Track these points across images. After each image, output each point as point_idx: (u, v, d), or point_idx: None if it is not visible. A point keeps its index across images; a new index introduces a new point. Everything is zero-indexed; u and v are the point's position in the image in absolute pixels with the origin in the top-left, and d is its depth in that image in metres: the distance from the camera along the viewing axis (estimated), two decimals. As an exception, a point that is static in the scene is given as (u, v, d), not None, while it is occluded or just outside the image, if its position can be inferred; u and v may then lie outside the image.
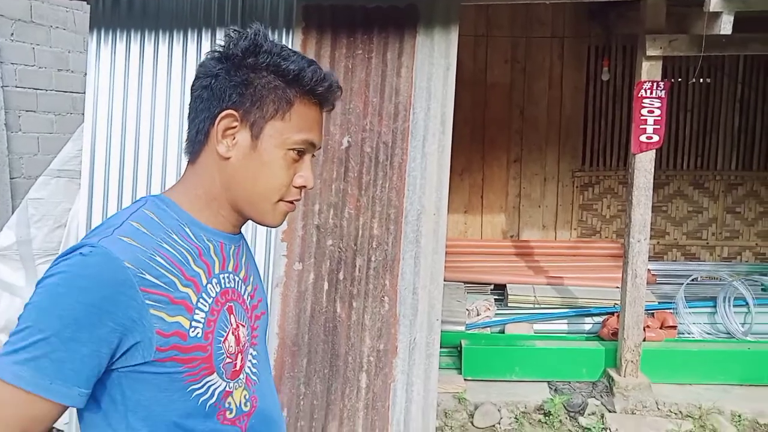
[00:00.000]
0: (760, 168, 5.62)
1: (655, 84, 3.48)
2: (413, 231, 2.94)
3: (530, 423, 3.48)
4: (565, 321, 4.27)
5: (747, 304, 4.20)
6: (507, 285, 4.55)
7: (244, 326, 1.01)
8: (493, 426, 3.43)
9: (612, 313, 4.13)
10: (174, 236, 0.94)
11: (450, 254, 3.68)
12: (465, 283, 4.67)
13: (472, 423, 3.44)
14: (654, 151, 3.52)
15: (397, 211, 2.96)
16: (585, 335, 4.20)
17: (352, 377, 2.82)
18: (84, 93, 3.45)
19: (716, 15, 2.96)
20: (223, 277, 0.99)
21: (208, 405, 0.93)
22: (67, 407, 0.84)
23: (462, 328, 4.04)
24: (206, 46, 3.09)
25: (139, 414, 0.89)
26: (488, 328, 4.18)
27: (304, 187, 1.00)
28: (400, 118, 3.00)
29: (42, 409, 0.82)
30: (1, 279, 3.33)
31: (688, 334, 4.18)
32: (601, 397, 3.65)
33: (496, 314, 4.26)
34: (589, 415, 3.49)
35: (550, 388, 3.75)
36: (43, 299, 0.83)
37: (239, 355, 0.98)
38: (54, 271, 0.85)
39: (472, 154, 5.53)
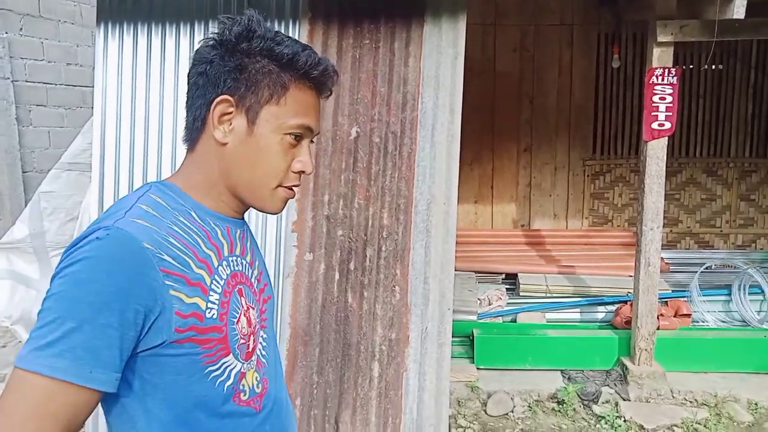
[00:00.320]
0: (774, 154, 5.55)
1: (666, 70, 3.43)
2: (423, 221, 2.92)
3: (544, 411, 3.47)
4: (578, 310, 4.25)
5: (762, 291, 4.16)
6: (518, 274, 4.53)
7: (253, 308, 1.02)
8: (507, 414, 3.42)
9: (625, 302, 4.11)
10: (182, 219, 0.94)
11: (461, 244, 3.67)
12: (476, 272, 4.65)
13: (485, 411, 3.44)
14: (666, 138, 3.48)
15: (406, 201, 2.95)
16: (598, 324, 4.18)
17: (364, 366, 2.82)
18: (93, 87, 3.46)
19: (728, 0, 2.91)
20: (232, 260, 0.99)
21: (225, 387, 0.94)
22: (105, 394, 0.84)
23: (474, 317, 4.03)
24: (214, 38, 3.08)
25: (157, 397, 0.89)
26: (500, 318, 4.17)
27: (303, 172, 1.00)
28: (409, 108, 2.98)
29: (83, 398, 0.82)
30: (16, 271, 3.37)
31: (703, 322, 4.15)
32: (615, 385, 3.64)
33: (507, 303, 4.25)
34: (603, 403, 3.47)
35: (563, 376, 3.74)
36: (68, 288, 0.82)
37: (251, 336, 0.99)
38: (72, 260, 0.84)
39: (482, 144, 5.50)
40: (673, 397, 3.52)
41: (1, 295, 3.61)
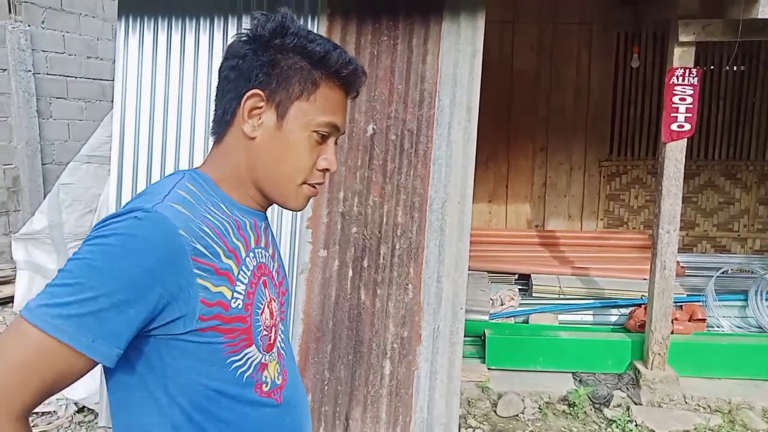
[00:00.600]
0: (795, 158, 5.46)
1: (687, 71, 3.39)
2: (438, 219, 2.92)
3: (554, 414, 3.46)
4: (591, 312, 4.22)
5: (780, 297, 4.10)
6: (531, 275, 4.51)
7: (275, 301, 1.03)
8: (517, 416, 3.41)
9: (639, 305, 4.07)
10: (213, 209, 0.95)
11: (474, 243, 3.66)
12: (489, 272, 4.64)
13: (495, 412, 3.43)
14: (685, 140, 3.44)
15: (421, 199, 2.95)
16: (611, 327, 4.15)
17: (375, 364, 2.83)
18: (113, 80, 3.50)
19: (754, -2, 2.86)
20: (258, 252, 1.01)
21: (245, 377, 0.95)
22: (97, 365, 0.85)
23: (486, 317, 4.02)
24: (232, 32, 3.09)
25: (178, 381, 0.90)
26: (512, 318, 4.16)
27: (328, 170, 1.01)
28: (426, 106, 2.97)
29: (77, 364, 0.82)
30: (35, 262, 3.42)
31: (718, 327, 4.10)
32: (627, 389, 3.61)
33: (520, 304, 4.23)
34: (614, 407, 3.45)
35: (574, 379, 3.72)
36: (96, 257, 0.83)
37: (273, 328, 1.01)
38: (107, 232, 0.84)
39: (497, 143, 5.47)
40: (686, 402, 3.49)
41: (19, 285, 3.67)
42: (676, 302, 3.83)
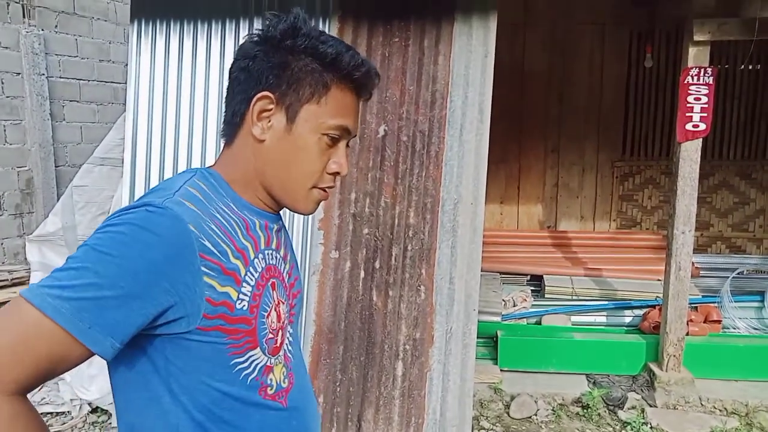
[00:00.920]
0: (811, 158, 5.39)
1: (702, 70, 3.35)
2: (450, 220, 2.91)
3: (568, 416, 3.43)
4: (604, 313, 4.19)
5: (797, 299, 4.04)
6: (544, 276, 4.48)
7: (284, 303, 1.01)
8: (530, 417, 3.39)
9: (653, 306, 4.03)
10: (224, 208, 0.94)
11: (486, 244, 3.64)
12: (501, 273, 4.62)
13: (508, 414, 3.41)
14: (700, 139, 3.40)
15: (433, 201, 2.94)
16: (625, 328, 4.11)
17: (388, 365, 2.82)
18: (125, 83, 3.52)
19: (772, -4, 2.82)
20: (268, 254, 0.99)
21: (249, 379, 0.94)
22: (93, 355, 0.83)
23: (498, 318, 4.00)
24: (244, 35, 3.09)
25: (182, 381, 0.89)
26: (524, 320, 4.13)
27: (338, 174, 0.99)
28: (437, 107, 2.96)
29: (71, 350, 0.80)
30: (48, 263, 3.44)
31: (734, 329, 4.05)
32: (642, 391, 3.57)
33: (532, 305, 4.20)
34: (628, 409, 3.42)
35: (588, 381, 3.69)
36: (104, 244, 0.82)
37: (280, 331, 0.99)
38: (118, 221, 0.84)
39: (509, 144, 5.44)
40: (702, 405, 3.44)
41: (34, 285, 3.69)
42: (691, 303, 3.79)
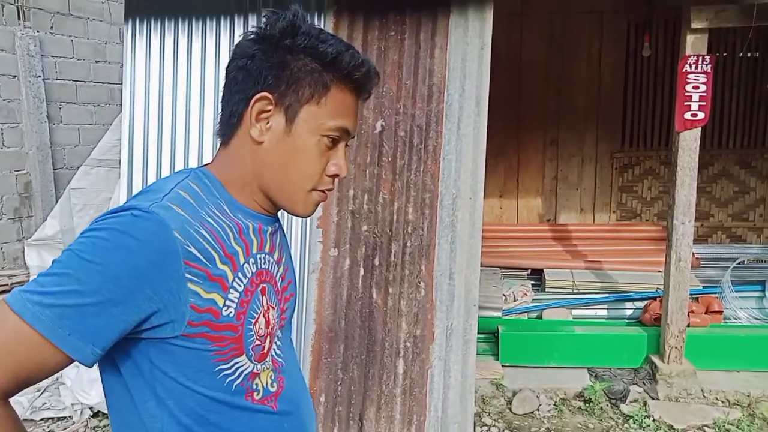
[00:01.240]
0: (812, 145, 5.36)
1: (700, 58, 3.33)
2: (449, 215, 2.89)
3: (570, 410, 3.42)
4: (605, 306, 4.18)
5: (798, 287, 4.03)
6: (544, 270, 4.47)
7: (274, 308, 1.00)
8: (532, 413, 3.38)
9: (654, 298, 4.02)
10: (215, 211, 0.92)
11: (486, 239, 3.63)
12: (501, 268, 4.60)
13: (510, 409, 3.41)
14: (699, 129, 3.38)
15: (432, 196, 2.92)
16: (626, 320, 4.10)
17: (389, 363, 2.81)
18: (121, 84, 3.50)
19: (769, -17, 2.80)
20: (260, 258, 0.98)
21: (234, 385, 0.93)
22: (74, 361, 0.83)
23: (499, 313, 3.99)
24: (239, 33, 3.08)
25: (167, 385, 0.88)
26: (525, 314, 4.12)
27: (337, 176, 0.97)
28: (434, 100, 2.94)
29: (51, 357, 0.80)
30: (47, 267, 3.43)
31: (735, 319, 4.04)
32: (644, 384, 3.57)
33: (533, 300, 4.19)
34: (631, 402, 3.41)
35: (590, 374, 3.68)
36: (86, 249, 0.81)
37: (268, 337, 0.98)
38: (102, 226, 0.83)
39: (507, 136, 5.42)
40: (704, 396, 3.44)
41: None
42: (692, 294, 3.78)
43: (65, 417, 3.31)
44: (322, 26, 3.01)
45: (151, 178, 3.11)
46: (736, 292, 4.11)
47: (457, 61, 2.92)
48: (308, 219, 2.96)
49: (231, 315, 0.90)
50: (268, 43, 0.92)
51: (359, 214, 2.94)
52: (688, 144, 3.39)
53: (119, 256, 0.81)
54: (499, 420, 3.33)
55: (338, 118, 0.94)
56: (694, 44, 3.32)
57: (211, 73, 3.09)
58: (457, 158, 2.91)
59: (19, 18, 4.82)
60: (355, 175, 2.95)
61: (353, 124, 0.97)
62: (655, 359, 3.61)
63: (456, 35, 2.93)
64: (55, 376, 3.45)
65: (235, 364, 0.92)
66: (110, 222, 0.83)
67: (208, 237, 0.88)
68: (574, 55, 5.34)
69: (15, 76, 4.78)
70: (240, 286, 0.92)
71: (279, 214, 1.05)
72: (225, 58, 3.07)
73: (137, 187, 3.12)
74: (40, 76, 4.93)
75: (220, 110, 0.99)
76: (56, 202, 4.27)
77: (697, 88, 3.34)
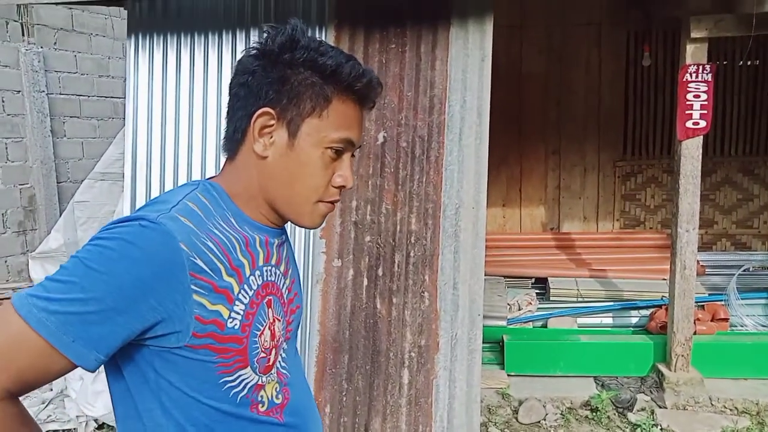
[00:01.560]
0: (814, 152, 5.36)
1: (701, 67, 3.34)
2: (452, 225, 2.89)
3: (577, 419, 3.40)
4: (610, 314, 4.16)
5: (804, 294, 4.02)
6: (548, 278, 4.46)
7: (279, 321, 1.00)
8: (539, 422, 3.36)
9: (659, 306, 4.01)
10: (222, 223, 0.93)
11: (489, 248, 3.62)
12: (505, 277, 4.60)
13: (516, 419, 3.38)
14: (701, 137, 3.39)
15: (434, 206, 2.93)
16: (632, 329, 4.08)
17: (393, 373, 2.80)
18: (124, 98, 3.53)
19: (767, -9, 2.82)
20: (266, 270, 0.98)
21: (239, 397, 0.93)
22: (77, 366, 0.83)
23: (503, 323, 3.97)
24: (240, 47, 3.11)
25: (172, 395, 0.89)
26: (530, 323, 4.11)
27: (343, 187, 0.98)
28: (436, 112, 2.96)
29: (55, 363, 0.81)
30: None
31: (742, 326, 4.02)
32: (651, 392, 3.54)
33: (538, 308, 4.18)
34: (638, 411, 3.39)
35: (596, 383, 3.66)
36: (92, 258, 0.82)
37: (273, 350, 0.98)
38: (109, 235, 0.84)
39: (509, 146, 5.43)
40: (712, 404, 3.41)
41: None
42: (697, 302, 3.76)
43: (70, 429, 3.30)
44: (323, 39, 3.03)
45: (154, 192, 3.12)
46: (741, 299, 4.09)
47: (458, 72, 2.94)
48: (311, 230, 2.96)
49: (236, 327, 0.90)
50: (268, 58, 0.93)
51: (362, 224, 2.95)
52: (691, 152, 3.40)
53: (124, 266, 0.81)
54: (506, 430, 3.31)
55: (341, 130, 0.94)
56: (694, 53, 3.34)
57: (214, 87, 3.11)
58: (459, 168, 2.91)
59: (23, 34, 4.88)
60: (357, 186, 2.96)
61: (357, 135, 0.97)
62: (662, 367, 3.59)
63: (456, 47, 2.95)
64: (60, 388, 3.44)
65: (240, 376, 0.92)
66: (118, 231, 0.84)
67: (214, 249, 0.88)
68: (573, 65, 5.37)
69: (19, 91, 4.82)
70: (245, 298, 0.92)
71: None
72: (227, 73, 3.10)
73: (140, 201, 3.13)
74: (43, 91, 4.97)
75: (224, 126, 1.00)
76: (60, 216, 4.29)
77: (698, 96, 3.35)
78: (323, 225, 2.95)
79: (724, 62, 5.27)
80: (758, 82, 5.35)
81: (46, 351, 0.80)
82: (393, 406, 2.78)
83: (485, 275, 2.94)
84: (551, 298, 4.30)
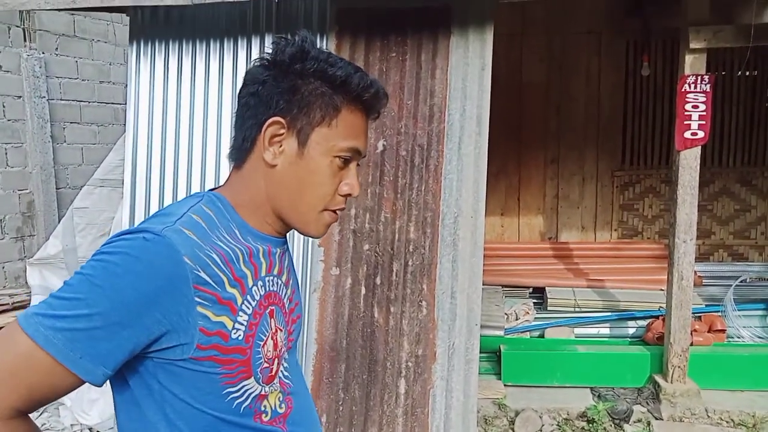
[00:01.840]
0: (811, 163, 5.38)
1: (699, 78, 3.36)
2: (450, 234, 2.90)
3: (573, 430, 3.39)
4: (607, 325, 4.16)
5: (802, 306, 4.02)
6: (546, 288, 4.46)
7: (281, 330, 1.01)
8: (535, 433, 3.35)
9: (656, 317, 4.00)
10: (226, 235, 0.94)
11: (487, 257, 3.63)
12: (503, 286, 4.59)
13: (513, 430, 3.37)
14: (699, 147, 3.40)
15: (433, 215, 2.93)
16: (628, 339, 4.08)
17: (390, 383, 2.80)
18: (125, 104, 3.54)
19: (765, 3, 2.84)
20: (269, 280, 0.99)
21: (243, 407, 0.94)
22: (85, 383, 0.84)
23: (501, 332, 3.97)
24: (242, 55, 3.12)
25: (176, 406, 0.89)
26: (527, 333, 4.10)
27: (349, 195, 1.00)
28: (435, 120, 2.97)
29: (63, 380, 0.82)
30: (49, 287, 3.43)
31: (738, 338, 4.01)
32: (647, 403, 3.53)
33: (535, 318, 4.18)
34: (634, 422, 3.38)
35: (593, 394, 3.65)
36: (97, 274, 0.83)
37: (276, 360, 0.99)
38: (113, 249, 0.85)
39: (508, 155, 5.45)
40: (708, 416, 3.41)
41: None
42: (694, 313, 3.76)
43: (65, 438, 3.28)
44: (324, 47, 3.05)
45: (154, 199, 3.12)
46: (738, 310, 4.09)
47: (458, 81, 2.96)
48: (310, 238, 2.97)
49: (240, 338, 0.91)
50: (278, 68, 0.95)
51: (361, 233, 2.95)
52: (689, 162, 3.41)
53: (128, 281, 0.82)
54: (502, 441, 3.30)
55: (349, 139, 0.96)
56: (693, 64, 3.36)
57: (215, 96, 3.12)
58: (458, 177, 2.92)
59: (25, 40, 4.89)
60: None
61: (364, 144, 0.99)
62: (659, 379, 3.58)
63: (457, 56, 2.97)
64: (55, 396, 3.42)
65: (244, 386, 0.93)
66: (121, 246, 0.85)
67: (217, 260, 0.89)
68: (573, 74, 5.39)
69: (20, 96, 4.83)
70: (249, 308, 0.93)
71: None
72: (228, 81, 3.11)
73: (140, 207, 3.13)
74: (44, 97, 4.98)
75: (232, 135, 1.01)
76: (59, 222, 4.29)
77: (697, 107, 3.36)
78: (322, 233, 2.96)
79: (723, 72, 5.30)
80: (756, 92, 5.37)
81: (54, 369, 0.81)
82: (389, 416, 2.77)
83: (483, 284, 2.94)
84: (549, 308, 4.30)
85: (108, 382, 0.89)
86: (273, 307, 0.99)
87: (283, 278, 1.04)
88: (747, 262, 5.40)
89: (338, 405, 2.80)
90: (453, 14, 2.98)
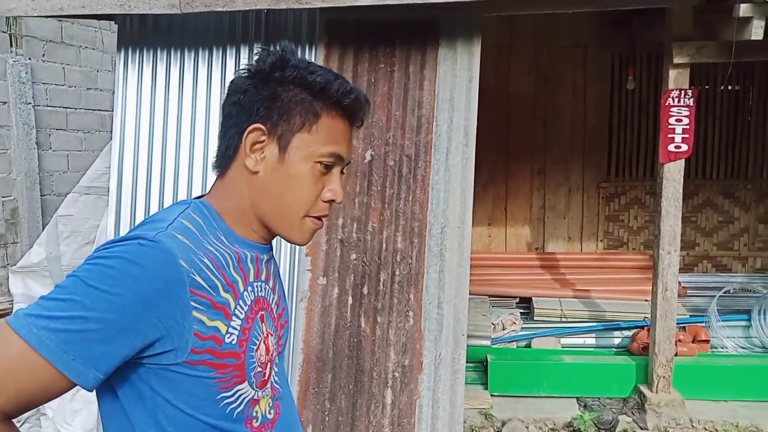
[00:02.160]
0: (793, 176, 5.47)
1: (683, 92, 3.41)
2: (437, 244, 2.91)
3: (559, 440, 3.40)
4: (593, 335, 4.19)
5: (784, 317, 4.07)
6: (533, 298, 4.48)
7: (272, 335, 1.02)
8: (521, 443, 3.36)
9: (641, 327, 4.04)
10: (215, 241, 0.95)
11: (474, 267, 3.64)
12: (490, 296, 4.61)
13: (499, 440, 3.38)
14: (683, 160, 3.45)
15: (420, 225, 2.94)
16: (614, 350, 4.11)
17: (377, 393, 2.79)
18: (112, 111, 3.52)
19: (746, 21, 2.90)
20: (257, 286, 1.00)
21: (236, 413, 0.94)
22: (76, 386, 0.84)
23: (487, 342, 3.98)
24: (231, 64, 3.12)
25: (168, 412, 0.89)
26: (514, 343, 4.12)
27: (333, 201, 1.00)
28: (423, 131, 2.98)
29: (53, 382, 0.81)
30: (32, 295, 3.39)
31: (722, 348, 4.06)
32: (633, 413, 3.55)
33: (522, 328, 4.19)
34: (620, 432, 3.40)
35: (579, 404, 3.67)
36: (93, 276, 0.83)
37: (268, 364, 0.99)
38: (108, 253, 0.85)
39: (496, 166, 5.48)
40: (693, 426, 3.43)
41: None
42: (678, 323, 3.80)
43: (46, 449, 3.23)
44: (312, 58, 3.06)
45: (140, 207, 3.10)
46: (722, 321, 4.14)
47: (445, 93, 2.98)
48: (297, 247, 2.96)
49: (233, 342, 0.91)
50: (259, 77, 0.96)
51: (348, 242, 2.95)
52: (673, 175, 3.45)
53: (125, 284, 0.82)
54: (489, 451, 3.30)
55: (330, 145, 0.97)
56: (677, 78, 3.41)
57: (202, 104, 3.12)
58: (445, 188, 2.94)
59: (11, 45, 4.85)
60: (344, 204, 2.97)
61: (346, 150, 1.00)
62: (644, 389, 3.61)
63: (445, 68, 3.00)
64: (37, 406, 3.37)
65: (237, 391, 0.93)
66: (117, 250, 0.85)
67: (210, 265, 0.90)
68: (560, 87, 5.45)
69: (5, 103, 4.79)
70: (241, 313, 0.94)
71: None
72: (216, 90, 3.11)
73: (125, 216, 3.11)
74: (30, 103, 4.94)
75: (216, 145, 1.02)
76: (43, 229, 4.24)
77: (680, 120, 3.41)
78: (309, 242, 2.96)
79: (706, 87, 5.39)
80: (739, 106, 5.46)
81: (45, 370, 0.80)
82: (376, 426, 2.76)
83: (470, 294, 2.95)
84: (535, 318, 4.32)
85: (94, 392, 0.89)
86: (263, 312, 0.99)
87: (270, 284, 1.05)
88: (730, 273, 5.47)
89: (324, 415, 2.79)
90: (441, 27, 3.01)
